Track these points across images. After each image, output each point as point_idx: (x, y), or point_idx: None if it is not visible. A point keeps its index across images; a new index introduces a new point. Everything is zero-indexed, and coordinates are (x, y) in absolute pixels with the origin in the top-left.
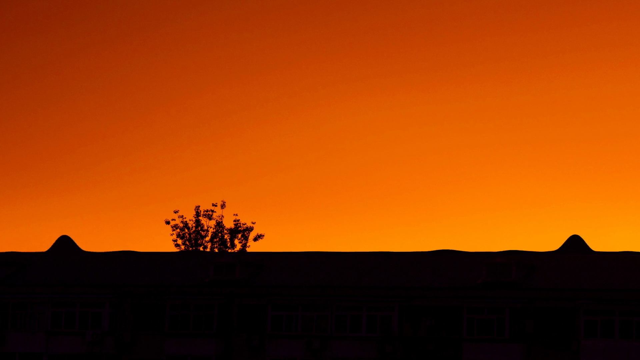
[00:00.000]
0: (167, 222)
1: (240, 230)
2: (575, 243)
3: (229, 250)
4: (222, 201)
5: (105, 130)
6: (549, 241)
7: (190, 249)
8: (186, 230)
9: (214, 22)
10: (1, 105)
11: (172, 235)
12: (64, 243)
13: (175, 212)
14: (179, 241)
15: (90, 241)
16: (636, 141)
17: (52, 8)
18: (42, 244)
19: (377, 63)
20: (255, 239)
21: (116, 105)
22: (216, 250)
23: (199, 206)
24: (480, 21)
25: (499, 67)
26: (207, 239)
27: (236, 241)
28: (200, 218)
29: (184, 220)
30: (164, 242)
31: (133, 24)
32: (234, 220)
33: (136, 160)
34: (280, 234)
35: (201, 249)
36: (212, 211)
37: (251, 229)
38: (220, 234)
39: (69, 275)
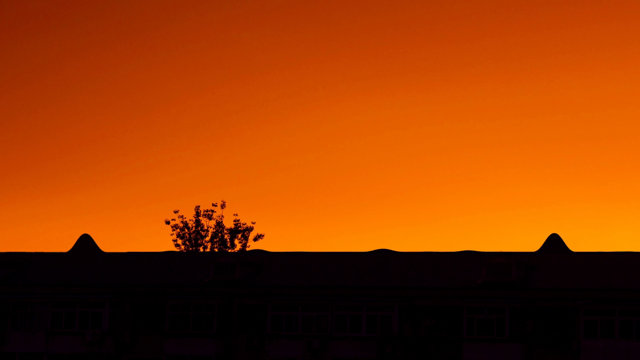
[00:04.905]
0: (167, 222)
1: (240, 230)
2: (555, 243)
3: (229, 250)
4: (222, 201)
5: (105, 130)
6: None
7: (191, 249)
8: (186, 230)
9: (214, 22)
10: (1, 105)
11: (172, 235)
12: (85, 242)
13: (175, 212)
14: (179, 241)
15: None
16: (636, 141)
17: (52, 8)
18: (41, 243)
19: (377, 63)
20: (255, 239)
21: (116, 105)
22: (216, 250)
23: (199, 206)
24: (480, 21)
25: (499, 67)
26: (207, 239)
27: (236, 241)
28: (200, 218)
29: (184, 220)
30: (164, 242)
31: (133, 24)
32: (234, 220)
33: (136, 160)
34: (280, 234)
35: (201, 249)
36: (212, 211)
37: (251, 229)
38: (220, 234)
39: (69, 275)
